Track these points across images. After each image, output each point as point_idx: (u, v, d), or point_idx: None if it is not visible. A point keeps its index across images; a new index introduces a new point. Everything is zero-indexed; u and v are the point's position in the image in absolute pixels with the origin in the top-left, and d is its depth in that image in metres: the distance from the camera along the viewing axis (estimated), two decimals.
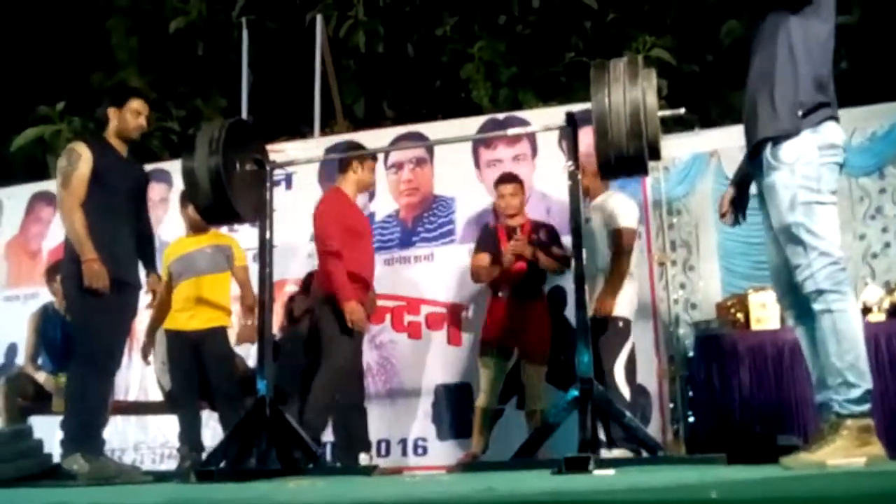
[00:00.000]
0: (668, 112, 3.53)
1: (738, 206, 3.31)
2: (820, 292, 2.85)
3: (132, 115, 4.26)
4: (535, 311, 5.07)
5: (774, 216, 2.96)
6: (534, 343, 5.03)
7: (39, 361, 5.54)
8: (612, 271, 4.73)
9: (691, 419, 5.22)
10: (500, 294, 5.08)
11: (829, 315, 2.85)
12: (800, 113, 2.89)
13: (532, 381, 5.01)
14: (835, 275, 2.85)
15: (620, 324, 4.71)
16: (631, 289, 4.80)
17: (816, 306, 2.87)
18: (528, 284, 5.06)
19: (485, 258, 5.16)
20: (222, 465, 3.88)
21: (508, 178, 5.21)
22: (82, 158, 4.08)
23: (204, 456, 5.13)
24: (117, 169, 4.20)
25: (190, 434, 5.09)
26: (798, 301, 2.99)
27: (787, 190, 2.89)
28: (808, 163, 2.87)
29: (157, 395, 5.74)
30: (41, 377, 5.38)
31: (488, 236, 5.28)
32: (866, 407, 2.84)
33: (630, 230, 4.81)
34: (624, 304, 4.73)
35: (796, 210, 2.87)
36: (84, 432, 3.95)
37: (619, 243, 4.75)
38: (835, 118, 2.96)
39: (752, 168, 3.11)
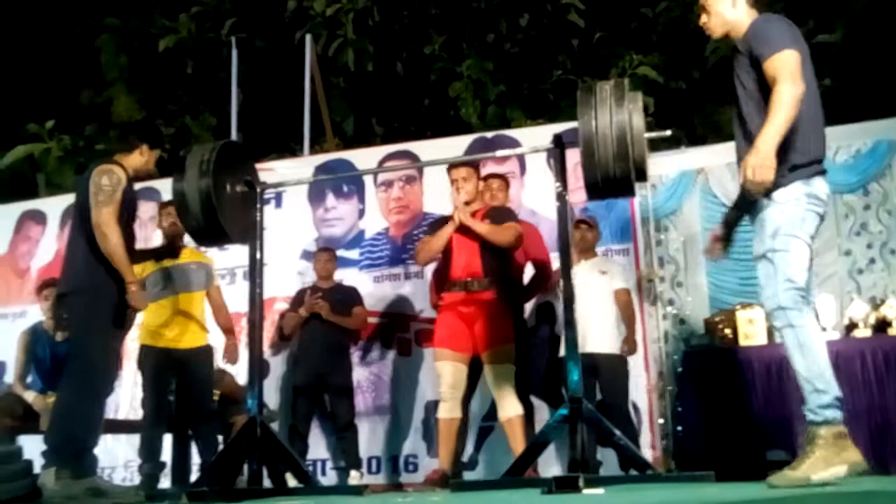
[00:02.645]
0: (654, 134, 3.57)
1: (724, 243, 3.55)
2: (781, 309, 3.06)
3: (153, 160, 4.43)
4: (490, 304, 4.49)
5: (757, 245, 3.19)
6: (490, 339, 4.44)
7: (28, 381, 5.52)
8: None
9: (680, 435, 5.24)
10: (450, 289, 4.57)
11: (791, 330, 3.05)
12: (794, 171, 3.13)
13: (498, 384, 4.43)
14: (795, 296, 3.06)
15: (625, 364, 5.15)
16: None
17: (778, 323, 3.09)
18: (480, 275, 4.51)
19: (426, 237, 4.77)
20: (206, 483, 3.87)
21: (460, 162, 4.77)
22: (121, 184, 4.12)
23: (166, 474, 5.15)
24: (132, 199, 4.29)
25: (154, 451, 5.05)
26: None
27: (773, 223, 3.13)
28: (796, 205, 3.12)
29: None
30: (30, 396, 5.35)
31: (438, 222, 4.85)
32: (838, 413, 2.98)
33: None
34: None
35: (777, 238, 3.11)
36: (67, 451, 3.91)
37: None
38: (823, 173, 3.20)
39: (748, 204, 3.31)
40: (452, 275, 4.55)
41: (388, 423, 5.90)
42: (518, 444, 4.30)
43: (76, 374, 4.02)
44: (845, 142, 5.75)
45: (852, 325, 4.95)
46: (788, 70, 3.04)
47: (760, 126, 3.07)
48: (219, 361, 5.43)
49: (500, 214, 4.70)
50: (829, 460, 2.88)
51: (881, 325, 4.89)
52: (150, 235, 6.42)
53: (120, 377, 5.56)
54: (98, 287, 4.02)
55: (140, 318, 5.25)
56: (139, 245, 4.84)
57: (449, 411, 4.45)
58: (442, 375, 4.49)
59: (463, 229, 4.53)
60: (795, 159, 3.11)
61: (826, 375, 3.00)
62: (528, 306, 5.42)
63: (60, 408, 4.02)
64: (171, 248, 5.25)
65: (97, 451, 4.18)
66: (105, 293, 4.04)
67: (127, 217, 4.18)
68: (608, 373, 5.04)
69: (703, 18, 3.41)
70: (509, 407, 4.41)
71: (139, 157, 4.35)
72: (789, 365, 3.12)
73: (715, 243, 3.59)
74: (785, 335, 3.06)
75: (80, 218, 4.16)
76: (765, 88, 3.11)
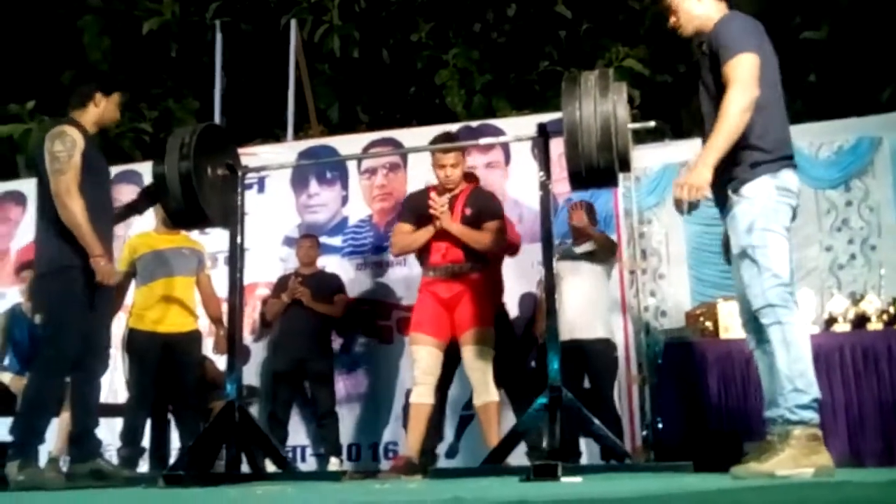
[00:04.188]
0: (638, 125, 3.57)
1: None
2: (770, 306, 3.03)
3: (115, 107, 4.12)
4: (470, 287, 4.40)
5: (734, 242, 3.17)
6: (468, 320, 4.35)
7: (6, 362, 5.48)
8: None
9: (660, 426, 5.26)
10: (430, 274, 4.48)
11: (778, 327, 3.02)
12: (757, 167, 3.11)
13: (475, 367, 4.34)
14: (784, 294, 3.05)
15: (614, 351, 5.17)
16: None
17: (765, 320, 3.05)
18: (461, 260, 4.42)
19: (405, 227, 4.59)
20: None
21: (444, 139, 4.61)
22: (77, 146, 3.84)
23: (145, 458, 5.12)
24: (98, 158, 4.03)
25: (136, 435, 5.03)
26: (758, 327, 3.13)
27: (745, 218, 3.11)
28: (767, 198, 3.10)
29: (125, 397, 5.69)
30: (6, 378, 5.31)
31: (414, 202, 4.66)
32: (814, 415, 2.99)
33: None
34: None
35: (753, 234, 3.08)
36: (28, 443, 3.83)
37: None
38: (793, 166, 3.18)
39: (718, 206, 3.29)
40: (431, 260, 4.47)
41: (368, 411, 5.89)
42: (492, 431, 4.26)
43: (45, 361, 3.91)
44: (828, 138, 5.79)
45: (832, 320, 4.98)
46: (741, 76, 3.03)
47: (710, 131, 3.09)
48: (207, 349, 5.41)
49: (483, 206, 4.55)
50: (797, 460, 2.89)
51: (860, 321, 4.92)
52: (131, 219, 6.33)
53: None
54: (71, 265, 3.83)
55: (129, 300, 5.24)
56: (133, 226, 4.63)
57: (420, 396, 4.35)
58: (417, 360, 4.39)
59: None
60: (757, 157, 3.10)
61: (808, 375, 3.00)
62: (512, 297, 5.42)
63: (25, 397, 3.92)
64: (169, 230, 5.07)
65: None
66: (79, 271, 3.83)
67: (93, 178, 3.91)
68: (596, 359, 5.05)
69: (672, 19, 3.39)
70: (485, 392, 4.33)
71: (95, 109, 4.02)
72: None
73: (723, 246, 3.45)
74: (771, 332, 3.03)
75: (42, 192, 3.93)
76: (722, 91, 3.10)
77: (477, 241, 4.42)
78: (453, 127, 6.18)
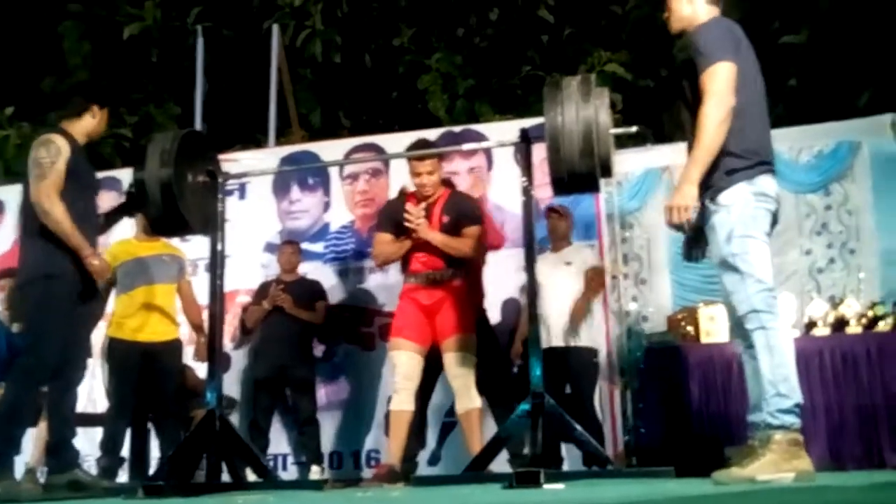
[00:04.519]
0: (620, 130, 3.58)
1: (693, 246, 3.44)
2: (755, 311, 3.05)
3: (105, 121, 4.12)
4: (451, 293, 4.38)
5: (715, 251, 3.18)
6: (450, 327, 4.32)
7: None
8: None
9: (642, 430, 5.27)
10: (411, 280, 4.45)
11: (762, 332, 3.04)
12: (732, 174, 3.11)
13: (457, 374, 4.29)
14: (768, 299, 3.07)
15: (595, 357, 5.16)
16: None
17: (750, 325, 3.06)
18: (441, 266, 4.40)
19: (385, 237, 4.54)
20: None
21: (425, 154, 4.51)
22: (62, 154, 3.83)
23: (125, 468, 5.08)
24: (86, 168, 4.02)
25: (116, 445, 4.99)
26: (745, 332, 3.13)
27: (724, 227, 3.11)
28: (745, 205, 3.10)
29: (104, 406, 5.64)
30: None
31: (392, 211, 4.61)
32: (796, 420, 3.00)
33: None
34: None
35: (732, 242, 3.09)
36: (7, 448, 3.78)
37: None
38: (770, 172, 3.18)
39: (697, 213, 3.30)
40: (412, 267, 4.45)
41: (350, 418, 5.86)
42: (474, 438, 4.24)
43: (23, 371, 3.86)
44: (808, 142, 5.84)
45: (811, 324, 5.02)
46: (716, 88, 3.04)
47: (691, 138, 3.12)
48: (187, 357, 5.37)
49: (461, 211, 4.50)
50: (778, 465, 2.90)
51: (839, 324, 4.96)
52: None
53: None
54: (53, 274, 3.80)
55: (109, 308, 5.18)
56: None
57: (401, 403, 4.32)
58: (397, 365, 4.36)
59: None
60: (732, 164, 3.10)
61: (791, 380, 3.01)
62: (494, 303, 5.42)
63: (1, 407, 3.85)
64: (149, 237, 5.06)
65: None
66: (61, 280, 3.81)
67: (79, 188, 3.89)
68: (577, 365, 5.06)
69: (666, 14, 3.42)
70: (467, 399, 4.30)
71: (91, 120, 4.04)
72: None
73: (686, 244, 3.48)
74: (755, 337, 3.04)
75: (26, 201, 3.90)
76: (700, 100, 3.11)
77: (456, 248, 4.39)
78: (433, 133, 6.19)
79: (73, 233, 3.77)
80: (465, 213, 4.51)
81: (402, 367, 4.35)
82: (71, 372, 3.96)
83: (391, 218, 4.54)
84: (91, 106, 4.04)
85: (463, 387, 4.31)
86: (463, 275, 4.47)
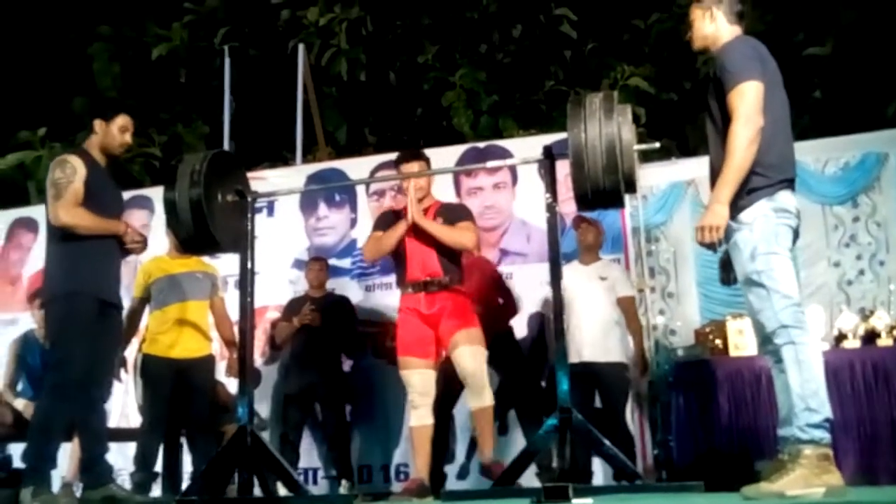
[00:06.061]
0: (643, 146, 3.59)
1: (730, 269, 3.40)
2: (783, 327, 3.04)
3: (119, 131, 4.13)
4: (451, 298, 4.35)
5: (739, 270, 3.19)
6: (453, 325, 4.29)
7: (19, 388, 5.51)
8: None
9: (671, 444, 5.25)
10: (409, 290, 4.39)
11: (791, 346, 3.03)
12: (752, 193, 3.13)
13: (469, 368, 4.24)
14: (796, 314, 3.06)
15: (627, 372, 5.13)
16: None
17: (779, 340, 3.05)
18: (439, 274, 4.35)
19: (376, 234, 4.53)
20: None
21: (411, 156, 4.55)
22: (77, 173, 3.92)
23: (158, 483, 5.12)
24: (105, 185, 4.10)
25: (149, 460, 5.03)
26: (774, 348, 3.12)
27: (747, 245, 3.13)
28: (766, 222, 3.11)
29: (138, 421, 5.71)
30: (20, 404, 5.34)
31: (388, 215, 4.66)
32: (826, 435, 2.98)
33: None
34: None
35: (756, 260, 3.10)
36: (39, 469, 3.84)
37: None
38: (790, 187, 3.19)
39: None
40: (409, 276, 4.38)
41: (378, 432, 5.89)
42: (486, 436, 4.23)
43: (52, 386, 3.92)
44: (834, 154, 5.80)
45: (841, 337, 4.98)
46: (745, 108, 3.06)
47: (718, 156, 3.14)
48: (220, 373, 5.43)
49: (453, 212, 4.53)
50: (808, 480, 2.88)
51: (870, 337, 4.92)
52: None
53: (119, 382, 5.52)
54: (77, 292, 3.88)
55: (143, 326, 5.26)
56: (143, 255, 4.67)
57: (420, 419, 4.31)
58: (410, 384, 4.34)
59: (416, 230, 4.34)
60: (755, 182, 3.11)
61: (820, 395, 3.00)
62: (520, 317, 5.44)
63: (34, 423, 3.94)
64: (182, 254, 5.03)
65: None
66: (86, 297, 3.88)
67: (100, 205, 3.97)
68: (609, 381, 5.04)
69: (689, 33, 3.44)
70: (480, 397, 4.26)
71: (96, 137, 4.11)
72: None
73: (721, 266, 3.51)
74: (784, 351, 3.03)
75: (48, 222, 4.02)
76: (726, 117, 3.13)
77: (455, 239, 4.36)
78: (457, 149, 6.26)
79: (100, 222, 3.92)
80: (457, 213, 4.53)
81: (416, 385, 4.32)
82: (95, 389, 4.02)
83: (385, 222, 4.55)
84: (93, 122, 4.15)
85: (475, 383, 4.26)
86: (459, 281, 4.43)
